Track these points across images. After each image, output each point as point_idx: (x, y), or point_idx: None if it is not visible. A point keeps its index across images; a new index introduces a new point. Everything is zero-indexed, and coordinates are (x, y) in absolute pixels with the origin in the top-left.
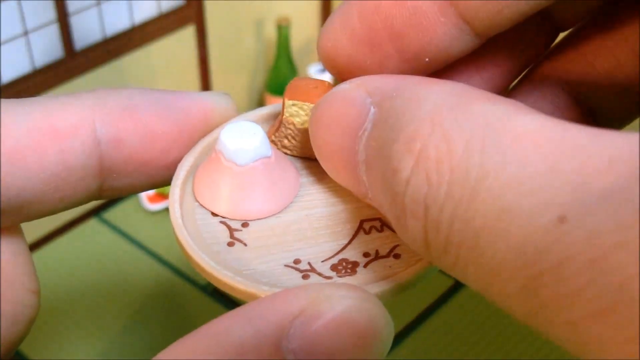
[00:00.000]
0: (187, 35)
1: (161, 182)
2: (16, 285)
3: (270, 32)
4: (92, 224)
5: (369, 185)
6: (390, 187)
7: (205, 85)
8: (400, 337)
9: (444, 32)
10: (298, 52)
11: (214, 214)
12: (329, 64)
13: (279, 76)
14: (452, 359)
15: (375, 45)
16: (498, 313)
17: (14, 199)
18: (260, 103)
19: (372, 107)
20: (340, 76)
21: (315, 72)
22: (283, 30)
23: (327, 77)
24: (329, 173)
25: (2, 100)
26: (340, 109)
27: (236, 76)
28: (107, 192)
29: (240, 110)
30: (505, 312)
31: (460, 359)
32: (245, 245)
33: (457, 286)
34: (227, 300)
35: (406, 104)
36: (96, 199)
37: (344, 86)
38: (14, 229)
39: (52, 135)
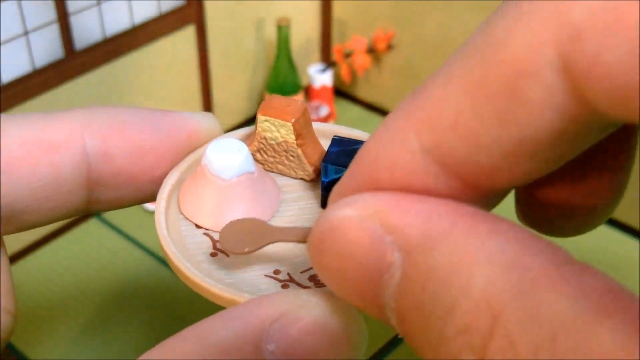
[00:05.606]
0: (187, 35)
1: (148, 196)
2: None
3: (270, 32)
4: (92, 224)
5: (403, 330)
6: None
7: (205, 85)
8: (400, 338)
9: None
10: (298, 52)
11: (197, 226)
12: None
13: (279, 76)
14: None
15: None
16: None
17: (5, 208)
18: (260, 103)
19: (395, 252)
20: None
21: (315, 72)
22: (283, 30)
23: (327, 77)
24: (332, 288)
25: None
26: (353, 241)
27: (236, 76)
28: (95, 204)
29: (239, 110)
30: None
31: None
32: (227, 255)
33: None
34: None
35: (449, 268)
36: (85, 212)
37: (350, 212)
38: None
39: (44, 148)
